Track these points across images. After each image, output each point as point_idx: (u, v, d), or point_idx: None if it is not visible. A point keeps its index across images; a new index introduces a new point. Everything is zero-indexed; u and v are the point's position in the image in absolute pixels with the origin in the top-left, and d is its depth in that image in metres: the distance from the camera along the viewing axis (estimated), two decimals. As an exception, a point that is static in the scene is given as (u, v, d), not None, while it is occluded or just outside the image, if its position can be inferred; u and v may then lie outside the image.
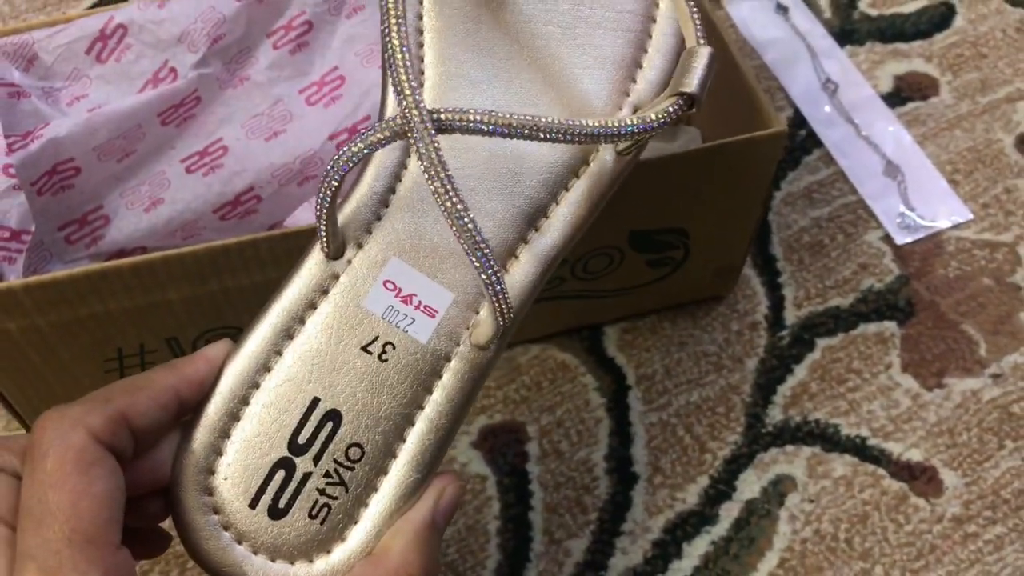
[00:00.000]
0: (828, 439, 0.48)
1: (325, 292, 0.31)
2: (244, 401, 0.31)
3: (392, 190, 0.32)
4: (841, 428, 0.49)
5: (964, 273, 0.54)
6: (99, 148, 0.45)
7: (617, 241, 0.46)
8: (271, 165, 0.46)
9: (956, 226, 0.56)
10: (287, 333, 0.31)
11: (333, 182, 0.29)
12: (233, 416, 0.30)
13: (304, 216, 0.45)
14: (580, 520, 0.46)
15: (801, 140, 0.59)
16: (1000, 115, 0.60)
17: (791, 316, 0.52)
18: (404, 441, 0.31)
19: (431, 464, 0.31)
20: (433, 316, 0.31)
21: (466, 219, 0.28)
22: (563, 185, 0.33)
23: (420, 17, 0.33)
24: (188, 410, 0.30)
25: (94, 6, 0.65)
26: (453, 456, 0.48)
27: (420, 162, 0.28)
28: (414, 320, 0.31)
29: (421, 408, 0.31)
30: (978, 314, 0.52)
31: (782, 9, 0.65)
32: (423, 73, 0.33)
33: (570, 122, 0.29)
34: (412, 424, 0.31)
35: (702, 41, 0.32)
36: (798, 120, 0.60)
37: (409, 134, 0.28)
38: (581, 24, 0.34)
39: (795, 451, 0.48)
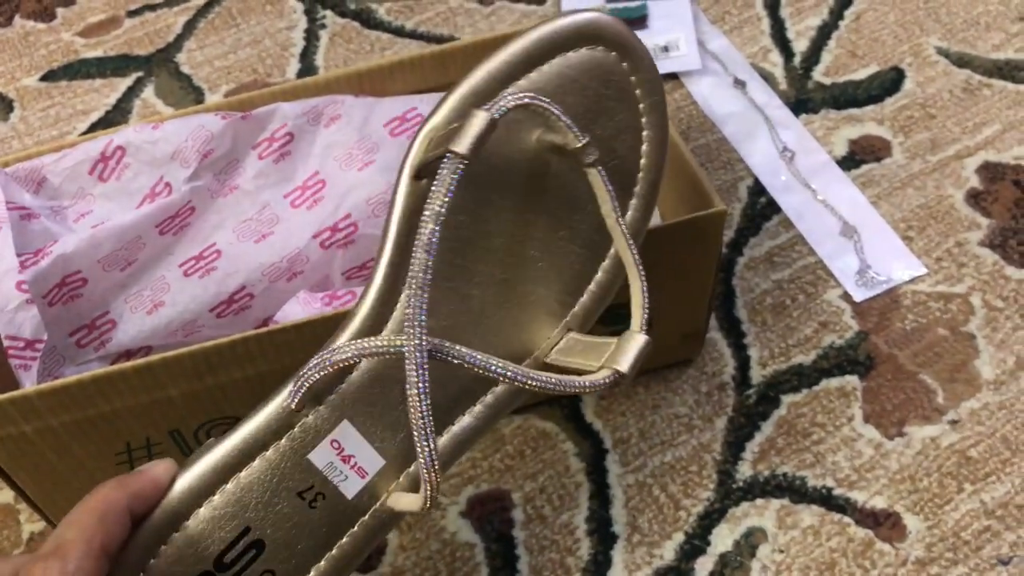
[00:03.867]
0: (796, 491, 0.51)
1: (279, 437, 0.36)
2: (186, 516, 0.35)
3: (355, 365, 0.37)
4: (808, 480, 0.52)
5: (920, 325, 0.57)
6: (103, 260, 0.49)
7: (582, 317, 0.49)
8: (261, 265, 0.50)
9: (911, 280, 0.59)
10: (239, 467, 0.35)
11: (320, 373, 0.35)
12: (173, 526, 0.34)
13: (292, 310, 0.48)
14: (564, 581, 0.49)
15: (761, 207, 0.63)
16: (950, 172, 0.64)
17: (757, 375, 0.56)
18: (310, 574, 0.36)
19: None
20: (363, 477, 0.36)
21: (429, 441, 0.33)
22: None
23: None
24: (138, 519, 0.35)
25: (94, 126, 0.71)
26: (443, 526, 0.51)
27: (407, 373, 0.32)
28: (347, 478, 0.36)
29: (330, 549, 0.36)
30: (935, 364, 0.55)
31: (739, 83, 0.69)
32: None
33: (519, 372, 0.34)
34: (319, 561, 0.36)
35: (643, 328, 0.37)
36: (757, 188, 0.64)
37: (407, 356, 0.33)
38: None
39: (765, 504, 0.51)
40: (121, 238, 0.49)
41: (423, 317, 0.32)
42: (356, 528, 0.36)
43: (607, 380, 0.35)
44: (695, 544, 0.50)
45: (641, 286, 0.38)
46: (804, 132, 0.66)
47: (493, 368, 0.33)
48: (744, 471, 0.52)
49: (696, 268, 0.50)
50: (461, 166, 0.33)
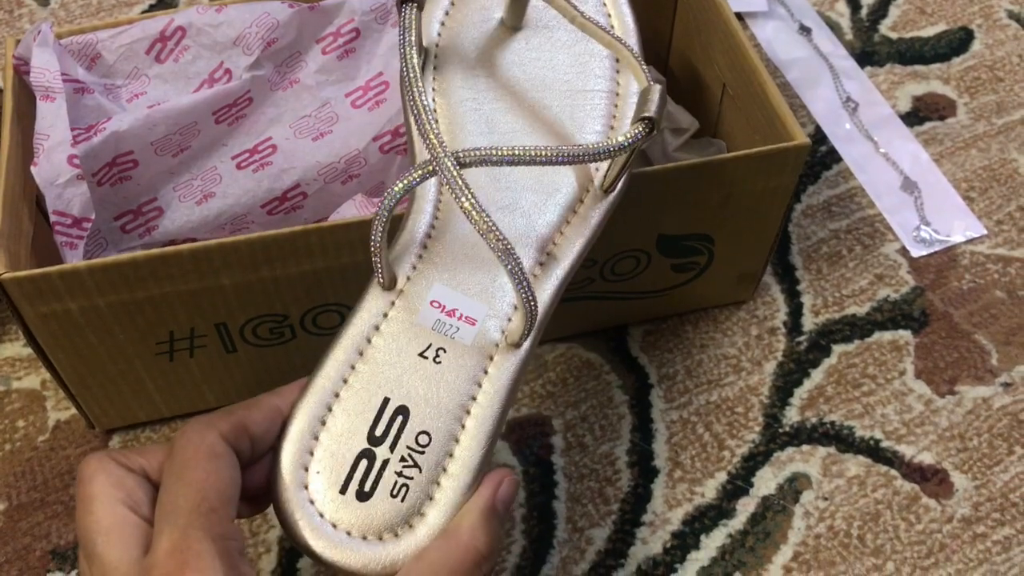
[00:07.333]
0: (843, 440, 0.50)
1: (385, 315, 0.37)
2: (328, 408, 0.35)
3: (429, 235, 0.39)
4: (856, 430, 0.51)
5: (977, 286, 0.56)
6: (156, 143, 0.47)
7: (645, 244, 0.48)
8: (317, 164, 0.48)
9: (970, 241, 0.58)
10: (358, 351, 0.36)
11: (383, 222, 0.35)
12: (320, 421, 0.35)
13: (347, 212, 0.47)
14: (602, 510, 0.48)
15: (821, 156, 0.61)
16: (1015, 136, 0.62)
17: (809, 323, 0.54)
18: (463, 427, 0.36)
19: (488, 444, 0.36)
20: (473, 324, 0.37)
21: (495, 231, 0.34)
22: (571, 209, 0.40)
23: (433, 100, 0.41)
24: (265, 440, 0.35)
25: (147, 11, 0.68)
26: (482, 446, 0.50)
27: (451, 191, 0.34)
28: (459, 328, 0.37)
29: (474, 399, 0.36)
30: (990, 325, 0.54)
31: (805, 30, 0.67)
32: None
33: (558, 147, 0.35)
34: (468, 412, 0.36)
35: (651, 81, 0.38)
36: (819, 136, 0.62)
37: (439, 172, 0.34)
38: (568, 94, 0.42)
39: (811, 450, 0.50)
40: (177, 122, 0.47)
41: (434, 137, 0.34)
42: (489, 371, 0.37)
43: (642, 129, 0.36)
44: (738, 485, 0.49)
45: (629, 52, 0.39)
46: (868, 84, 0.65)
47: (532, 153, 0.34)
48: (791, 416, 0.51)
49: (767, 203, 0.48)
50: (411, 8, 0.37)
